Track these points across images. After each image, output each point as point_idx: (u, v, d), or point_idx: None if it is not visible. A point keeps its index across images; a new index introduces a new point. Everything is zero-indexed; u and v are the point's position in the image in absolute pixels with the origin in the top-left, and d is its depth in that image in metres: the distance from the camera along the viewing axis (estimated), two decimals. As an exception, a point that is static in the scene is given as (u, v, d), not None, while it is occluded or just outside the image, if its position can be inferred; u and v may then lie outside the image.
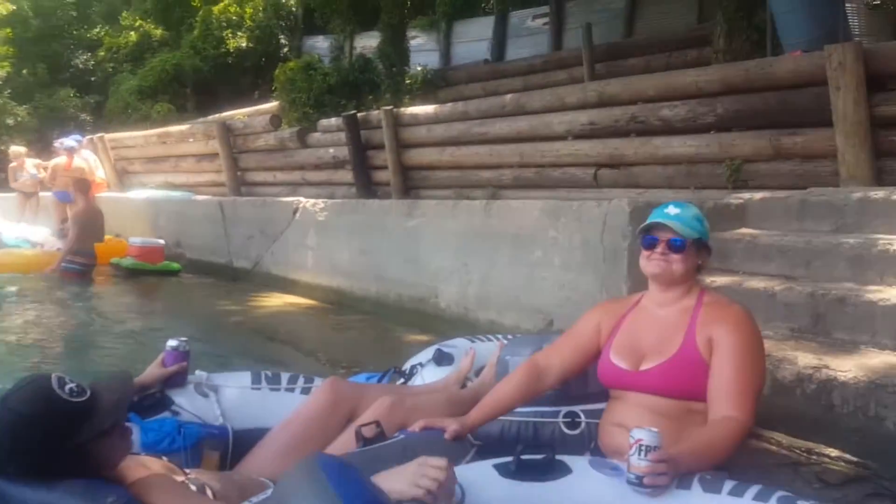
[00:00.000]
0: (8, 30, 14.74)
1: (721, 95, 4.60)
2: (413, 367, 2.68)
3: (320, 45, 14.25)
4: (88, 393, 1.45)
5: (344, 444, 1.90)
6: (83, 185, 7.37)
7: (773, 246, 3.22)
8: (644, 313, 1.95)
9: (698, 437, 1.65)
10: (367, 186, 7.84)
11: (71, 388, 1.42)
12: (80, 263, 6.95)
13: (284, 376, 2.32)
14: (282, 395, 2.24)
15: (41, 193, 9.96)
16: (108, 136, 11.53)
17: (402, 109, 7.88)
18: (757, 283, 3.06)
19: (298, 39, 15.00)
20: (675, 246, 1.84)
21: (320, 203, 6.36)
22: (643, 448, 1.42)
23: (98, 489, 1.40)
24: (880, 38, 5.95)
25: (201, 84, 13.93)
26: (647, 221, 1.89)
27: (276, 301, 6.14)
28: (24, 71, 15.13)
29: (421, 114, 7.56)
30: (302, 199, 6.76)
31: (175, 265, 7.45)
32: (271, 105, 11.59)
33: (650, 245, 1.88)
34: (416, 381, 2.58)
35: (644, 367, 1.83)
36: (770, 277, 3.10)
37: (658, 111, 4.94)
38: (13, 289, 6.32)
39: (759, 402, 1.76)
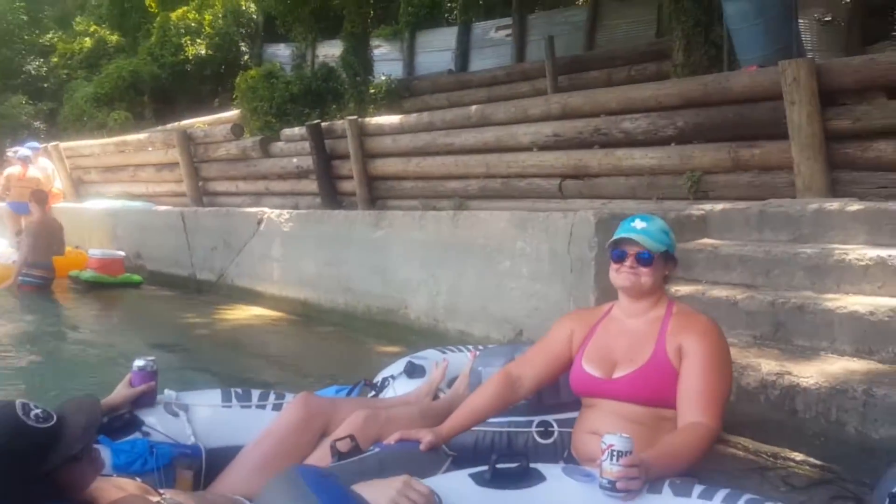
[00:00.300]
0: (-44, 35, 14.27)
1: (680, 109, 4.73)
2: (384, 379, 2.69)
3: (281, 52, 14.14)
4: (55, 418, 1.44)
5: (318, 459, 1.89)
6: (40, 195, 7.17)
7: (734, 256, 3.32)
8: (615, 323, 1.99)
9: (668, 442, 1.69)
10: (332, 197, 7.80)
11: (36, 415, 1.40)
12: (38, 276, 6.77)
13: (255, 393, 2.30)
14: (253, 412, 2.23)
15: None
16: (63, 144, 11.22)
17: (368, 119, 7.88)
18: (719, 292, 3.15)
19: (259, 47, 14.88)
20: (644, 259, 1.89)
21: (285, 214, 6.30)
22: (615, 453, 1.45)
23: None
24: (832, 54, 6.21)
25: (159, 92, 13.69)
26: (616, 236, 1.94)
27: (242, 313, 6.06)
28: (-27, 77, 14.65)
29: (386, 124, 7.57)
30: (266, 209, 6.69)
31: (136, 277, 7.29)
32: (232, 114, 11.47)
33: (619, 258, 1.92)
34: (388, 393, 2.58)
35: (616, 375, 1.87)
36: (732, 286, 3.20)
37: (620, 123, 5.05)
38: None
39: (726, 408, 1.81)
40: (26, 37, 15.59)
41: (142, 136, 10.40)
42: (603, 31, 9.47)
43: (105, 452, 1.81)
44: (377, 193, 7.46)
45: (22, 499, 1.37)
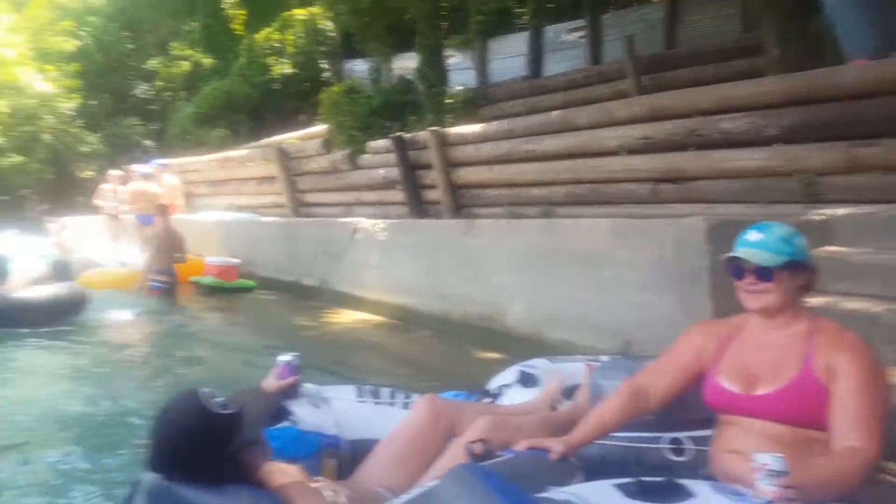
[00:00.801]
0: (77, 64, 14.98)
1: (784, 106, 4.32)
2: (500, 387, 2.60)
3: (359, 68, 14.15)
4: (234, 406, 1.54)
5: (452, 459, 1.84)
6: (163, 208, 7.47)
7: (868, 265, 2.96)
8: (751, 336, 1.79)
9: (823, 466, 1.53)
10: (417, 205, 7.68)
11: (218, 402, 1.52)
12: (163, 281, 7.09)
13: (384, 391, 2.33)
14: (384, 408, 2.26)
15: (123, 216, 10.06)
16: (174, 160, 11.61)
17: (448, 129, 7.72)
18: (855, 305, 2.82)
19: (339, 63, 14.95)
20: (762, 275, 1.68)
21: (379, 223, 6.25)
22: (771, 473, 1.34)
23: (261, 496, 1.50)
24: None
25: (252, 109, 13.97)
26: (731, 253, 1.73)
27: (346, 317, 6.08)
28: (93, 102, 15.39)
29: (467, 133, 7.39)
30: (360, 219, 6.68)
31: (249, 283, 7.50)
32: (320, 128, 11.54)
33: (737, 276, 1.73)
34: (504, 401, 2.50)
35: (758, 391, 1.69)
36: (868, 298, 2.86)
37: (717, 124, 4.67)
38: (109, 305, 6.38)
39: (885, 431, 1.58)
40: (132, 63, 16.25)
41: (242, 152, 10.61)
42: (684, 29, 8.89)
43: (262, 438, 1.91)
44: (462, 202, 7.28)
45: (210, 477, 1.47)
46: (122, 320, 6.13)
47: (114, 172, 10.59)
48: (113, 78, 15.96)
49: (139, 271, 7.29)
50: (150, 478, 1.50)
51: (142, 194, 9.07)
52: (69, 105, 14.80)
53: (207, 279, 7.33)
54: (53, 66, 14.75)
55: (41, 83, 14.37)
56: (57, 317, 5.45)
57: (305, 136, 11.07)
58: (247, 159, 10.24)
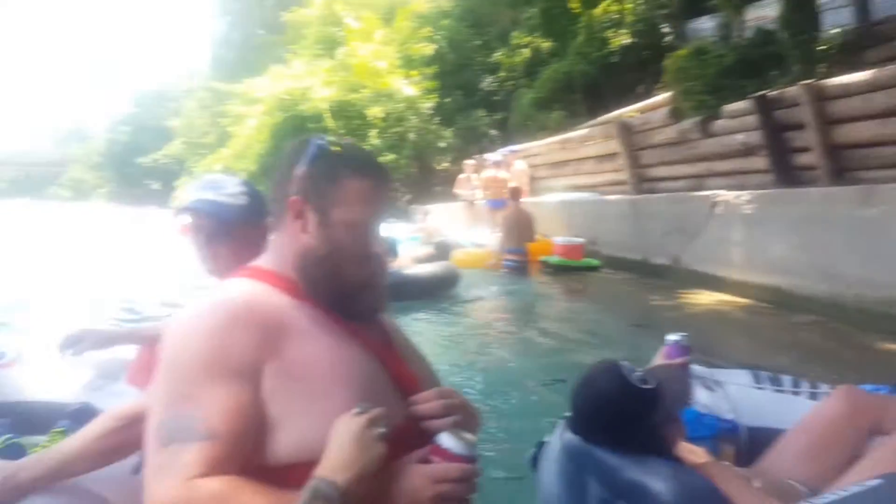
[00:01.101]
0: (434, 66, 17.23)
1: None
2: None
3: (705, 26, 13.23)
4: (651, 381, 1.54)
5: (880, 461, 1.61)
6: (515, 191, 8.15)
7: None
8: None
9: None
10: (786, 172, 6.91)
11: (638, 377, 1.53)
12: (514, 260, 7.74)
13: (786, 379, 2.21)
14: (787, 397, 2.14)
15: (478, 202, 11.31)
16: (517, 147, 12.54)
17: (826, 81, 6.73)
18: None
19: (681, 25, 14.21)
20: None
21: (744, 195, 5.82)
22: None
23: (680, 471, 1.49)
24: None
25: (589, 87, 14.22)
26: None
27: (704, 298, 5.84)
28: (447, 99, 17.53)
29: (851, 83, 6.34)
30: (720, 191, 6.29)
31: (595, 262, 7.72)
32: (660, 98, 11.20)
33: None
34: None
35: None
36: None
37: None
38: (469, 282, 7.13)
39: None
40: (479, 58, 17.99)
41: (582, 131, 10.92)
42: None
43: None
44: (845, 164, 6.32)
45: (630, 446, 1.51)
46: (484, 295, 6.87)
47: (468, 162, 11.90)
48: (463, 74, 17.90)
49: (493, 251, 8.09)
50: (570, 437, 1.60)
51: (493, 181, 10.04)
52: (429, 105, 17.12)
53: (554, 258, 7.77)
54: (416, 71, 17.21)
55: (407, 88, 16.91)
56: (436, 291, 6.29)
57: (645, 108, 10.87)
58: (586, 138, 10.51)
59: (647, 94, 12.05)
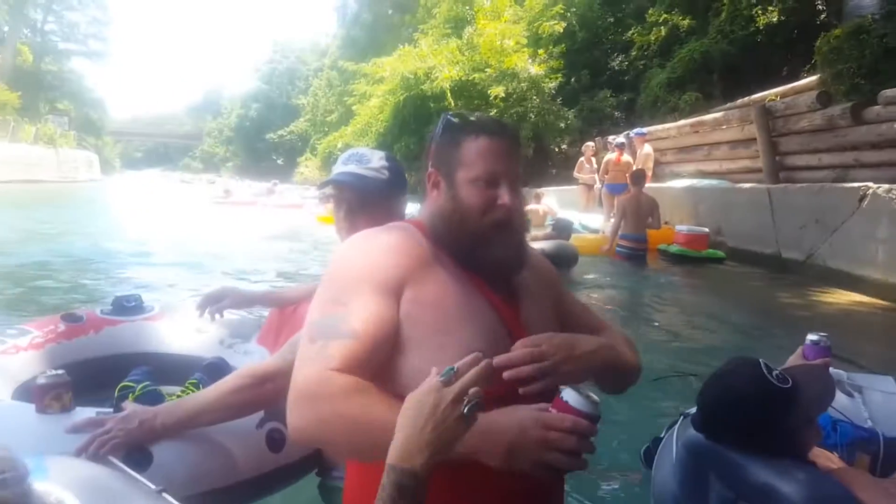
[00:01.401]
0: (562, 45, 17.03)
1: None
2: None
3: (867, 3, 12.19)
4: (790, 381, 1.50)
5: None
6: (636, 176, 7.88)
7: None
8: None
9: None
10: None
11: (777, 375, 1.49)
12: (627, 247, 7.53)
13: None
14: None
15: (597, 186, 11.17)
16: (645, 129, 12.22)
17: None
18: None
19: (839, 2, 13.17)
20: None
21: (896, 189, 5.44)
22: None
23: (817, 477, 1.42)
24: None
25: (728, 69, 13.54)
26: None
27: (837, 298, 5.55)
28: (572, 79, 17.30)
29: None
30: (869, 184, 5.90)
31: (719, 253, 7.46)
32: (806, 81, 10.51)
33: None
34: None
35: None
36: None
37: None
38: (581, 267, 7.20)
39: None
40: (611, 37, 17.58)
41: (718, 114, 10.48)
42: None
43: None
44: None
45: (760, 448, 1.46)
46: (594, 281, 6.83)
47: (589, 144, 11.75)
48: (592, 53, 17.56)
49: (607, 237, 7.98)
50: (693, 434, 1.57)
51: (614, 164, 9.87)
52: (553, 84, 16.98)
53: (674, 247, 7.55)
54: (543, 50, 17.10)
55: (532, 67, 16.86)
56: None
57: (788, 91, 10.25)
58: (721, 122, 10.08)
59: (792, 77, 11.34)
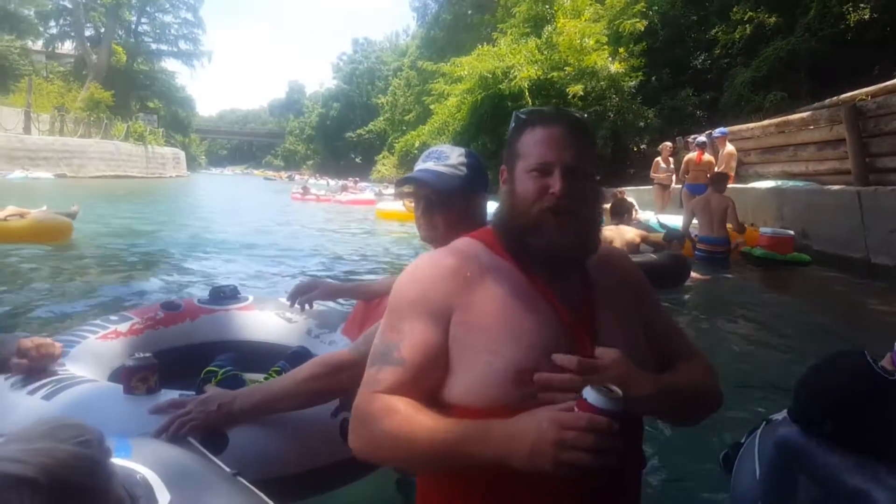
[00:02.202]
0: (643, 44, 16.86)
1: None
2: None
3: (973, -4, 11.58)
4: (893, 373, 1.48)
5: None
6: (717, 178, 7.77)
7: None
8: None
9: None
10: None
11: (882, 367, 1.48)
12: (704, 250, 7.37)
13: None
14: None
15: (674, 186, 11.08)
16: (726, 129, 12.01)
17: None
18: None
19: (936, -3, 12.52)
20: None
21: None
22: None
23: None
24: None
25: (815, 67, 13.13)
26: None
27: (930, 303, 5.44)
28: (653, 77, 17.09)
29: None
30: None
31: (804, 257, 7.31)
32: (899, 80, 10.12)
33: None
34: None
35: None
36: None
37: None
38: None
39: None
40: (693, 35, 17.27)
41: (805, 114, 10.23)
42: None
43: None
44: None
45: (858, 442, 1.44)
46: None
47: (666, 144, 11.64)
48: (674, 52, 17.27)
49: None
50: (784, 432, 1.56)
51: (694, 164, 9.76)
52: (633, 83, 16.83)
53: (758, 250, 7.36)
54: (624, 49, 16.97)
55: (612, 66, 16.77)
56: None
57: (881, 91, 9.90)
58: (808, 121, 9.84)
59: (884, 77, 10.91)
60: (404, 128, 34.62)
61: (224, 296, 2.56)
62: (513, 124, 1.25)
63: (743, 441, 1.75)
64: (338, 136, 60.27)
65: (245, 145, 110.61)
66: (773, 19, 14.87)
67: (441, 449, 1.03)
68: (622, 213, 6.60)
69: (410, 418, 1.07)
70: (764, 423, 1.73)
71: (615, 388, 0.97)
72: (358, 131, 54.89)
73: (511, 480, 1.03)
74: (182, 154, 54.09)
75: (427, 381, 1.13)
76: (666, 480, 2.43)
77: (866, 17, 12.97)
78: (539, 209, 1.15)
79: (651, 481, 2.40)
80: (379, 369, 1.15)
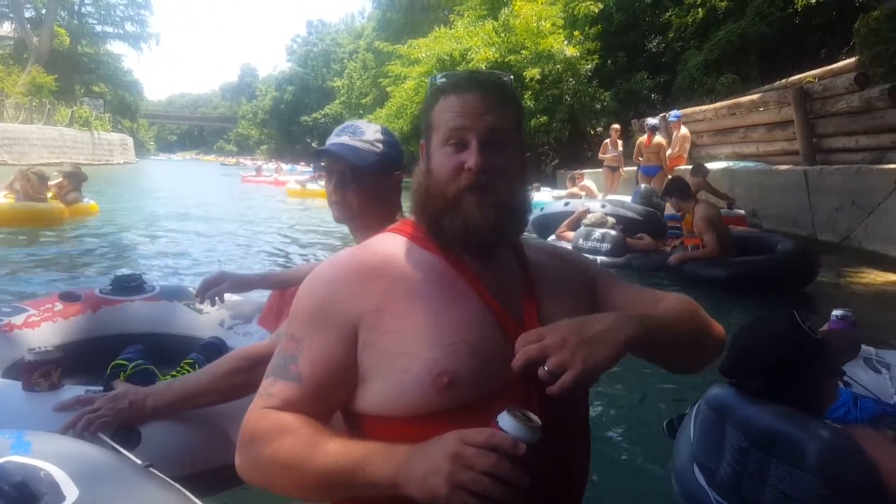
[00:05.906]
0: (599, 27, 17.01)
1: None
2: None
3: (911, -18, 12.00)
4: (819, 335, 1.59)
5: None
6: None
7: None
8: None
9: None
10: None
11: (808, 325, 1.58)
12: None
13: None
14: None
15: (623, 169, 11.29)
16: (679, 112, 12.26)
17: None
18: None
19: (881, -17, 12.96)
20: None
21: (931, 170, 5.56)
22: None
23: (833, 431, 1.45)
24: None
25: (765, 50, 13.48)
26: None
27: (875, 278, 5.70)
28: (608, 61, 17.28)
29: None
30: (906, 166, 6.02)
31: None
32: (844, 63, 10.48)
33: None
34: None
35: None
36: None
37: None
38: None
39: None
40: (648, 19, 17.50)
41: (754, 96, 10.51)
42: None
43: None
44: None
45: (783, 394, 1.53)
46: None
47: (615, 126, 11.85)
48: (629, 35, 17.51)
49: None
50: (715, 392, 1.65)
51: (644, 146, 9.98)
52: (589, 66, 17.00)
53: None
54: (579, 32, 17.09)
55: (568, 49, 16.88)
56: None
57: (827, 73, 10.24)
58: (758, 104, 10.12)
59: (830, 59, 11.29)
60: (361, 111, 34.28)
61: (128, 286, 2.40)
62: (428, 95, 1.12)
63: (687, 411, 1.81)
64: (292, 121, 59.28)
65: (196, 130, 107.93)
66: (724, 3, 15.17)
67: (337, 472, 0.90)
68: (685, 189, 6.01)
69: (304, 440, 0.94)
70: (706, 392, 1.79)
71: (534, 416, 0.85)
72: (313, 115, 54.05)
73: None
74: (130, 140, 52.47)
75: (328, 399, 1.02)
76: (613, 449, 2.49)
77: (813, 1, 13.35)
78: (456, 189, 1.02)
79: (597, 447, 2.45)
80: (273, 382, 1.03)
